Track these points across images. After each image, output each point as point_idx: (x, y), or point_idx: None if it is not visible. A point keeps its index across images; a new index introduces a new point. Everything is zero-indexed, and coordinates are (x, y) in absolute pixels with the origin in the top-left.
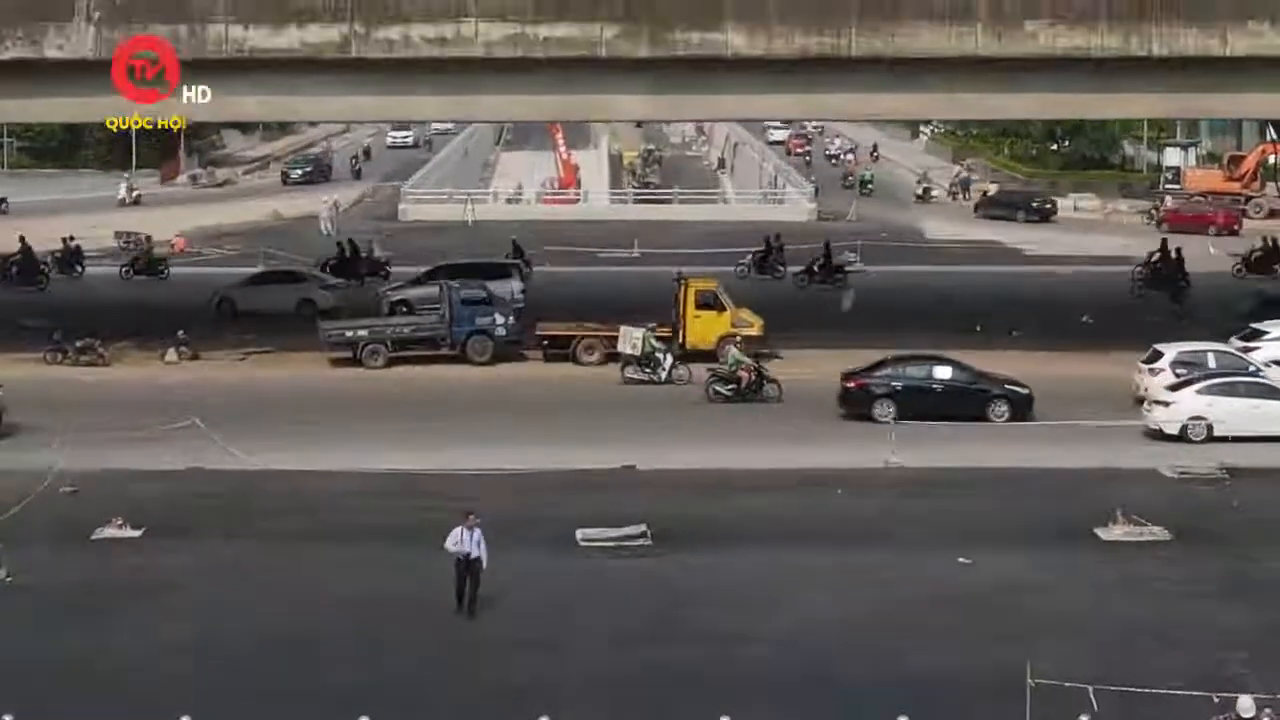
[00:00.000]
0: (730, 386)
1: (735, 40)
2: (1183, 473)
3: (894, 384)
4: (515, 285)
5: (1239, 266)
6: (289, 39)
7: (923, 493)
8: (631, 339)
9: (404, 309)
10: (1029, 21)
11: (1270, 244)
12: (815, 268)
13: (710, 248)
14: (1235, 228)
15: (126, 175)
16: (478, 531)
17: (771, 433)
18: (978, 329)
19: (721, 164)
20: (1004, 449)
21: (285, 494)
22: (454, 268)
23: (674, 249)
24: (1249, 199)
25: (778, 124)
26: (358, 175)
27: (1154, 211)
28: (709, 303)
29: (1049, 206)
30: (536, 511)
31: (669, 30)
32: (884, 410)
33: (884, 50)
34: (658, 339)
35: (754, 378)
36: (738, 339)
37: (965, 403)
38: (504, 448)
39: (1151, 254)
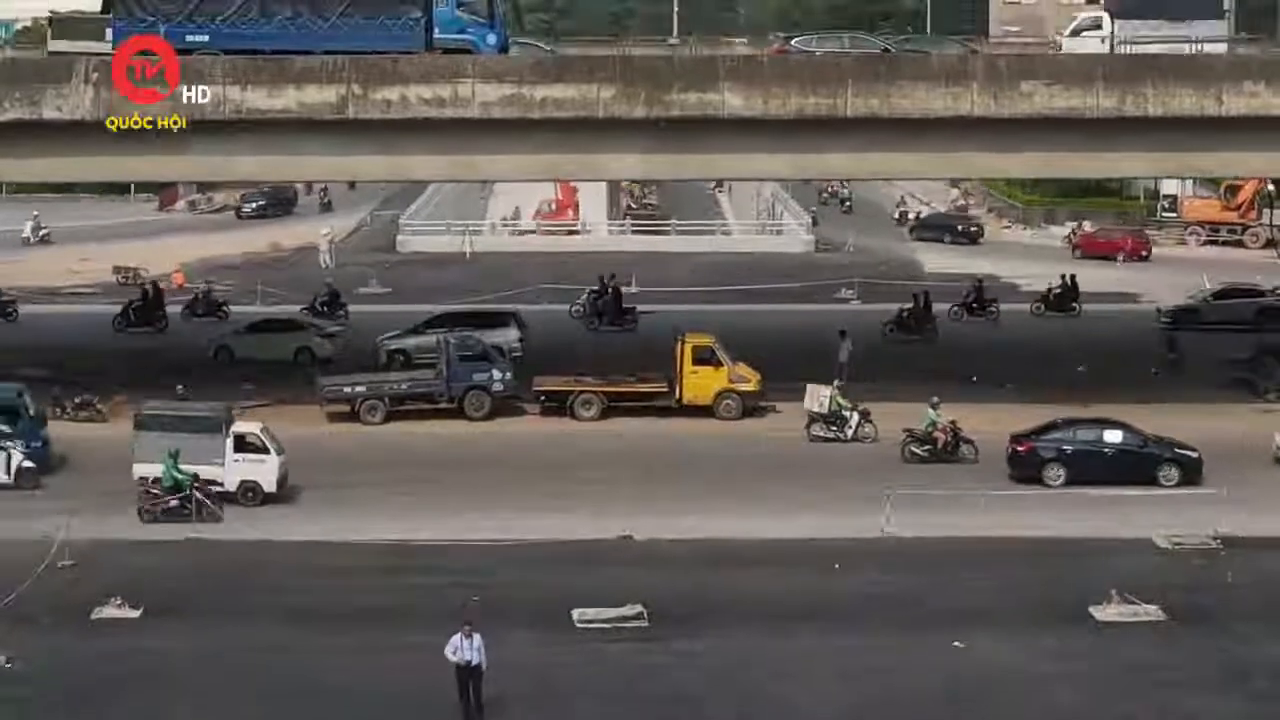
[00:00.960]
0: (926, 447)
1: (731, 101)
2: (1177, 543)
3: (1064, 448)
4: (513, 334)
5: (1038, 304)
6: (287, 100)
7: (916, 566)
8: (819, 397)
9: (401, 358)
10: (1025, 82)
11: (1068, 282)
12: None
13: (709, 284)
14: (1144, 254)
15: (35, 213)
16: (477, 638)
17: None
18: (973, 380)
19: (719, 183)
20: (1004, 516)
21: (283, 568)
22: (452, 316)
23: (673, 287)
24: (1245, 228)
25: None
26: (327, 207)
27: (1071, 236)
28: (706, 358)
29: (975, 230)
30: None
31: (665, 91)
32: (1054, 474)
33: (880, 110)
34: (843, 396)
35: (950, 439)
36: (935, 400)
37: (1136, 467)
38: (525, 513)
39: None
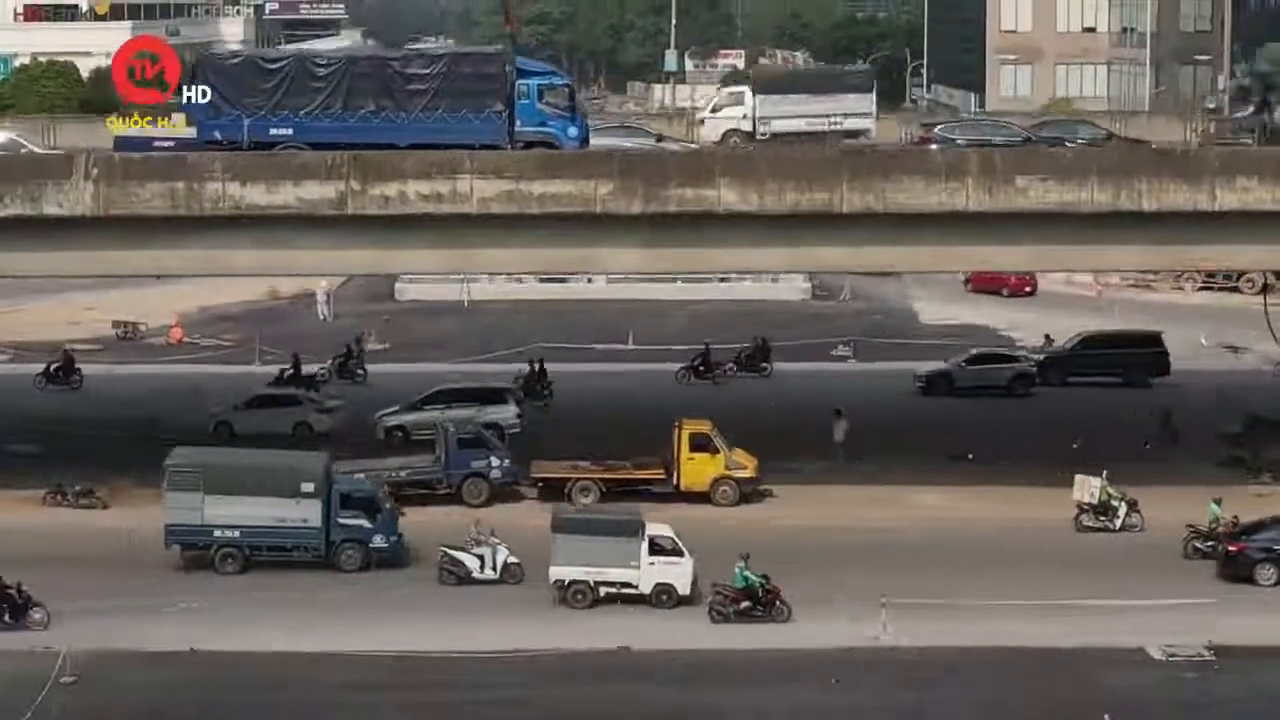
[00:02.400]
0: (1209, 543)
1: (727, 196)
2: (1171, 655)
3: (1277, 548)
4: (510, 411)
5: (730, 365)
6: (285, 196)
7: (914, 681)
8: (1089, 488)
9: (400, 434)
10: (1020, 177)
11: (760, 343)
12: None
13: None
14: (1027, 289)
15: None
16: None
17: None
18: (969, 457)
19: None
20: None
21: (286, 686)
22: (451, 393)
23: (670, 344)
24: (1241, 274)
25: None
26: None
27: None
28: (703, 445)
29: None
30: None
31: (662, 187)
32: (1266, 575)
33: (875, 206)
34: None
35: (1226, 532)
36: (1218, 498)
37: None
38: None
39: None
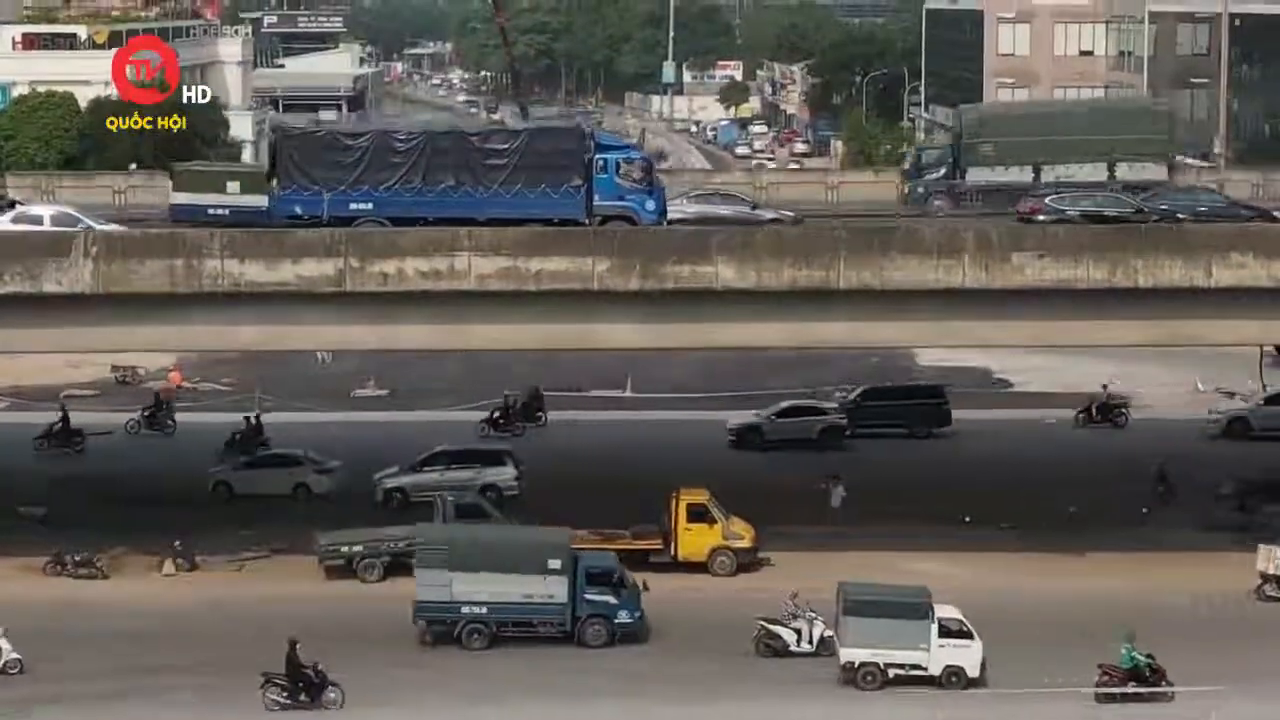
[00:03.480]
0: None
1: (725, 273)
2: None
3: None
4: (508, 472)
5: (483, 425)
6: (284, 274)
7: None
8: (1274, 559)
9: (399, 496)
10: (1016, 254)
11: (534, 391)
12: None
13: (707, 389)
14: None
15: None
16: None
17: None
18: (966, 520)
19: None
20: None
21: None
22: (449, 454)
23: (670, 393)
24: None
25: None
26: None
27: None
28: (701, 515)
29: None
30: None
31: (660, 264)
32: None
33: (872, 282)
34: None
35: None
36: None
37: None
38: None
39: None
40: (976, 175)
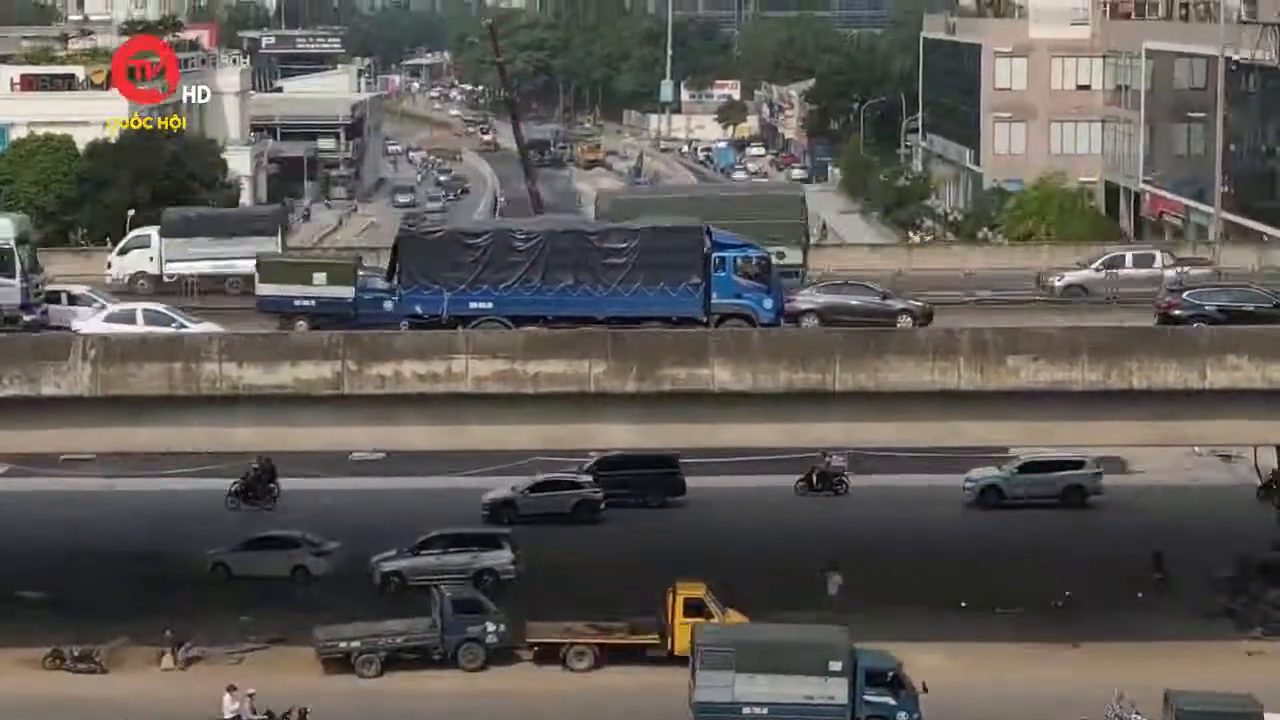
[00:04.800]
0: None
1: (721, 375)
2: None
3: None
4: (505, 556)
5: (231, 498)
6: (282, 377)
7: None
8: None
9: (397, 579)
10: (1011, 356)
11: (264, 463)
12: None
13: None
14: None
15: None
16: None
17: None
18: (963, 605)
19: None
20: None
21: None
22: (446, 538)
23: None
24: None
25: None
26: None
27: None
28: (697, 609)
29: None
30: None
31: (656, 366)
32: None
33: (867, 384)
34: None
35: None
36: None
37: None
38: None
39: None
40: None
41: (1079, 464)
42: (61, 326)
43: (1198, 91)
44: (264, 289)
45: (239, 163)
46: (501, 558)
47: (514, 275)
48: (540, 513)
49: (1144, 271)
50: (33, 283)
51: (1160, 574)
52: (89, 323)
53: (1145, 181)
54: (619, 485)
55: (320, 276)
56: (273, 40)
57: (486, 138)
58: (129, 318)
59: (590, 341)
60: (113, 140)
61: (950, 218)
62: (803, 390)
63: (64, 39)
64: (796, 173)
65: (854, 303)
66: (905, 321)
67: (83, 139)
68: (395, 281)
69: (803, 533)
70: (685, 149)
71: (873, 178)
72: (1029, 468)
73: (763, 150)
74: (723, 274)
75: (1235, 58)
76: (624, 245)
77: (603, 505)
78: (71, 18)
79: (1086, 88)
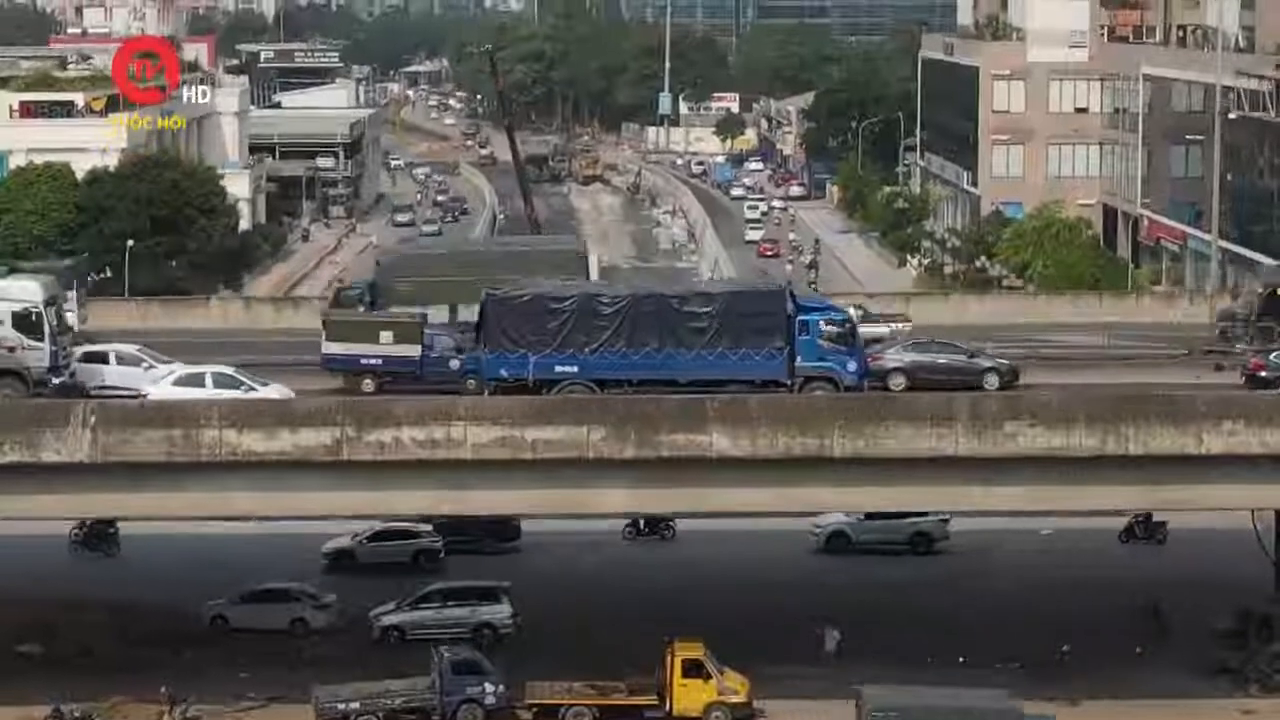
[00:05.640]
0: None
1: (719, 442)
2: None
3: None
4: (504, 610)
5: (73, 544)
6: (281, 443)
7: None
8: None
9: (396, 634)
10: (1009, 423)
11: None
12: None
13: None
14: None
15: None
16: None
17: None
18: (961, 661)
19: None
20: None
21: None
22: (444, 592)
23: None
24: None
25: (755, 224)
26: None
27: None
28: (696, 669)
29: None
30: None
31: (654, 433)
32: None
33: (865, 451)
34: None
35: None
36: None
37: None
38: None
39: None
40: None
41: (924, 510)
42: (122, 390)
43: (1196, 115)
44: (330, 347)
45: (237, 186)
46: (500, 612)
47: (599, 339)
48: (380, 561)
49: None
50: (62, 345)
51: (1159, 626)
52: (158, 387)
53: (1144, 204)
54: (455, 532)
55: (387, 335)
56: (271, 54)
57: (485, 151)
58: (198, 381)
59: (588, 408)
60: (112, 168)
61: (949, 244)
62: (801, 456)
63: (63, 63)
64: (794, 190)
65: (941, 361)
66: (992, 380)
67: (81, 166)
68: (481, 345)
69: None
70: (678, 161)
71: (870, 196)
72: (876, 514)
73: (761, 165)
74: (806, 337)
75: (1232, 85)
76: (707, 309)
77: (442, 554)
78: (71, 30)
79: (1084, 110)
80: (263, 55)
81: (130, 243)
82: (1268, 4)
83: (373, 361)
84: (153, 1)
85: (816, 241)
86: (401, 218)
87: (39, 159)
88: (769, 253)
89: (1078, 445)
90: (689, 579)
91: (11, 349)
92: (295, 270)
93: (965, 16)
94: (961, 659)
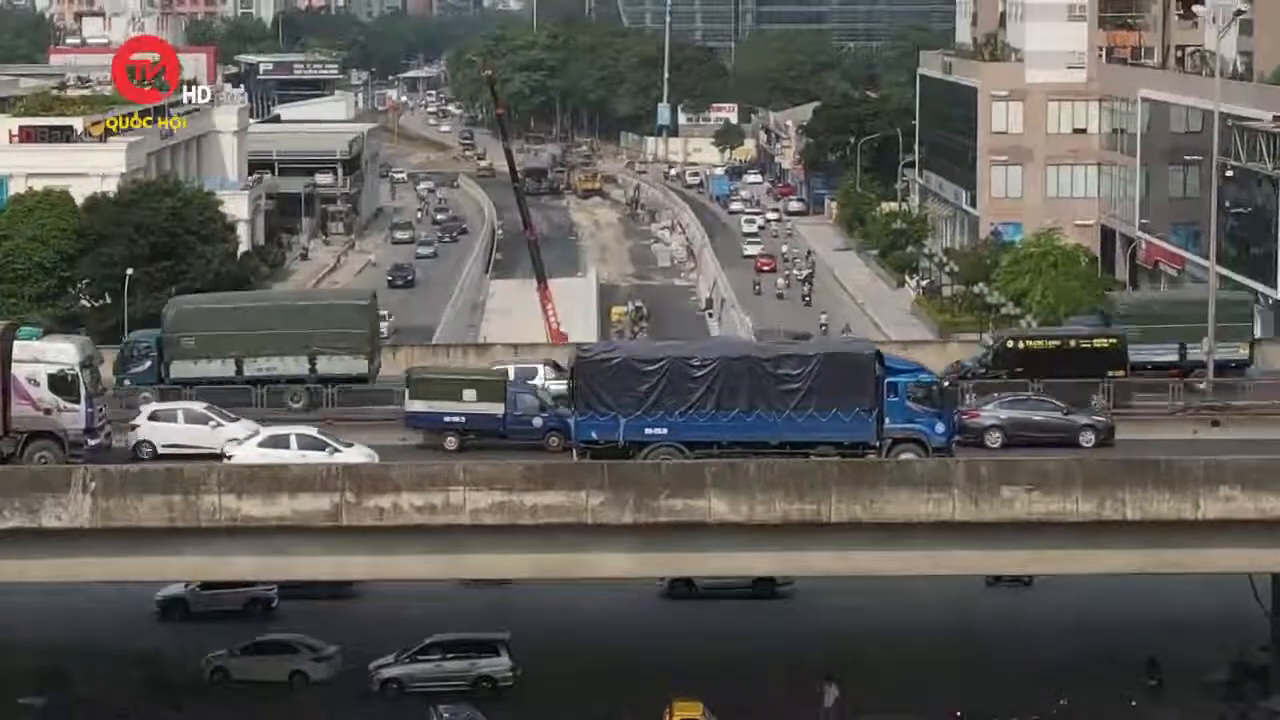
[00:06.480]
0: None
1: (718, 507)
2: None
3: None
4: (503, 662)
5: None
6: (281, 508)
7: None
8: None
9: (395, 687)
10: (1005, 488)
11: None
12: None
13: None
14: None
15: None
16: None
17: None
18: (959, 715)
19: (709, 305)
20: None
21: None
22: (443, 645)
23: None
24: None
25: (753, 239)
26: None
27: None
28: None
29: None
30: None
31: (653, 498)
32: None
33: (862, 516)
34: None
35: None
36: None
37: None
38: None
39: None
40: (180, 369)
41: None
42: (190, 448)
43: (1194, 135)
44: (413, 405)
45: (236, 206)
46: (499, 664)
47: (689, 401)
48: (213, 610)
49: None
50: (97, 407)
51: (1155, 680)
52: (242, 449)
53: (1142, 225)
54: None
55: (470, 393)
56: (270, 66)
57: (484, 163)
58: (282, 443)
59: (587, 473)
60: (111, 194)
61: (948, 269)
62: (798, 521)
63: (62, 84)
64: (793, 204)
65: (1037, 418)
66: (1088, 437)
67: (81, 191)
68: (571, 407)
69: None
70: (671, 171)
71: (869, 213)
72: None
73: (759, 178)
74: (895, 399)
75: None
76: (798, 371)
77: (274, 603)
78: (70, 40)
79: (1083, 131)
80: (261, 67)
81: (130, 270)
82: (1265, 29)
83: (456, 419)
84: (151, 9)
85: (809, 253)
86: (401, 235)
87: (38, 184)
88: (767, 267)
89: (1074, 510)
90: None
91: (48, 411)
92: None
93: (963, 34)
94: (959, 714)
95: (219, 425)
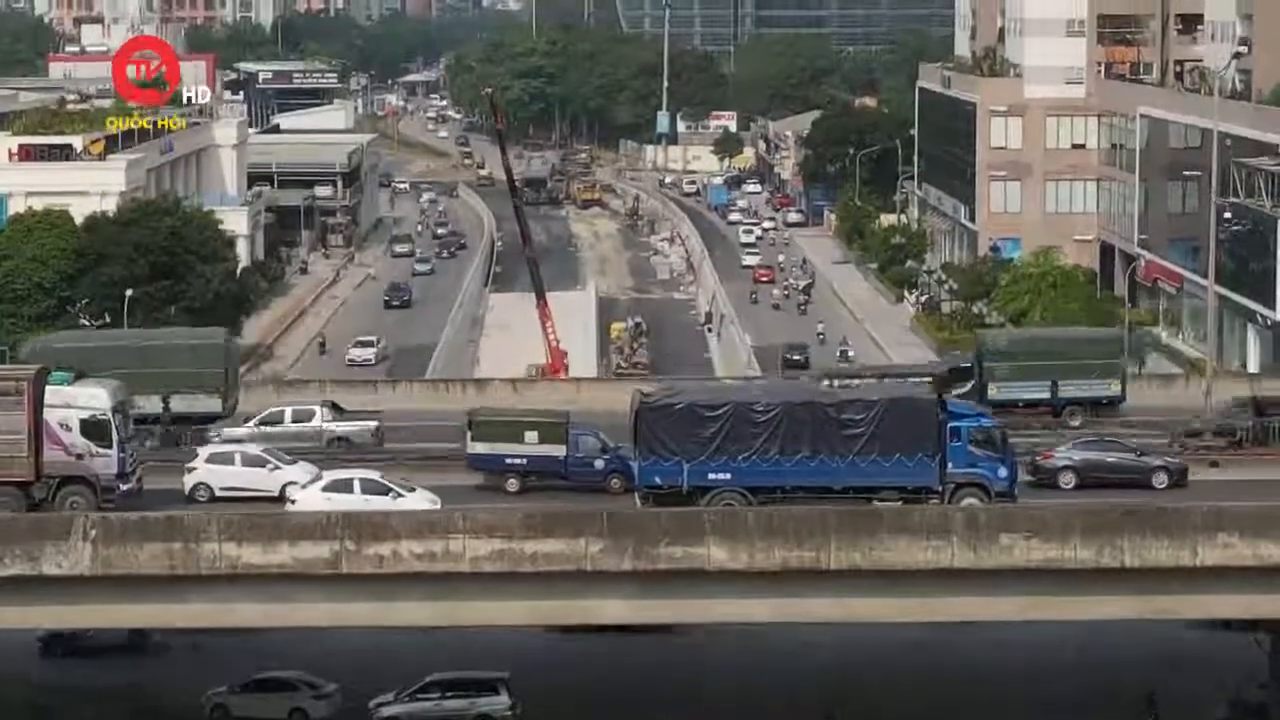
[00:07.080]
0: None
1: (717, 554)
2: None
3: None
4: (502, 701)
5: None
6: (281, 556)
7: None
8: None
9: None
10: (1004, 535)
11: None
12: None
13: None
14: None
15: None
16: None
17: None
18: None
19: (709, 319)
20: None
21: None
22: (442, 684)
23: None
24: None
25: (751, 249)
26: None
27: None
28: None
29: None
30: None
31: (652, 545)
32: None
33: (861, 563)
34: None
35: None
36: None
37: None
38: None
39: None
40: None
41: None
42: (247, 492)
43: (1193, 150)
44: (475, 447)
45: (235, 222)
46: (498, 704)
47: (752, 446)
48: (95, 645)
49: (302, 426)
50: (129, 452)
51: (1154, 716)
52: (306, 494)
53: (1141, 241)
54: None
55: (532, 435)
56: (270, 74)
57: (484, 172)
58: (346, 487)
59: (586, 520)
60: (110, 212)
61: (947, 285)
62: (797, 569)
63: (62, 101)
64: (792, 216)
65: (1110, 460)
66: (1161, 479)
67: (81, 209)
68: (635, 452)
69: None
70: (666, 179)
71: (868, 226)
72: None
73: (758, 187)
74: (957, 444)
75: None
76: (861, 416)
77: (156, 637)
78: (69, 48)
79: (1082, 147)
80: (260, 75)
81: (129, 291)
82: (1263, 48)
83: (518, 461)
84: (151, 14)
85: (805, 261)
86: (400, 248)
87: (38, 202)
88: (765, 278)
89: (1073, 557)
90: None
91: (80, 456)
92: (293, 308)
93: (962, 47)
94: None
95: (277, 468)
